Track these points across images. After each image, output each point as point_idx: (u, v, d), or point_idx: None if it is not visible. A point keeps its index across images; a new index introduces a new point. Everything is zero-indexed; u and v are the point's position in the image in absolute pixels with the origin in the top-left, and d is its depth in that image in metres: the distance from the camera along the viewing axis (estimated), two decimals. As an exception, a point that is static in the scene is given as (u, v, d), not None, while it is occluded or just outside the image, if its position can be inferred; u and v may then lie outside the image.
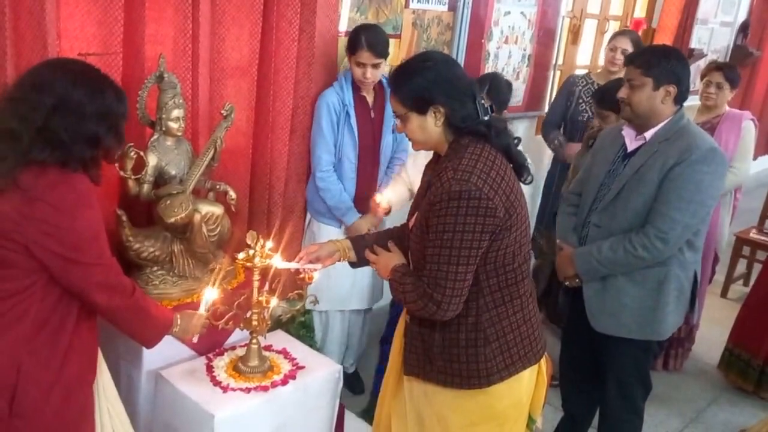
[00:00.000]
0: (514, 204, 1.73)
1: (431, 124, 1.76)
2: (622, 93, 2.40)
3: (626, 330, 2.45)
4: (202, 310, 1.99)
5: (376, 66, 2.79)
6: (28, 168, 1.56)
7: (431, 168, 1.92)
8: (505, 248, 1.75)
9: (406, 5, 3.33)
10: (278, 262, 2.05)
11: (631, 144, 2.45)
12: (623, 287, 2.43)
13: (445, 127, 1.76)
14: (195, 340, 2.03)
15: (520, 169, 1.84)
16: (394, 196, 2.86)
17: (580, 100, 3.87)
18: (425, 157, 2.54)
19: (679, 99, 2.37)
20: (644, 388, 2.62)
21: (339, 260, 2.08)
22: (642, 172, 2.35)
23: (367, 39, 2.75)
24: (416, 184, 2.58)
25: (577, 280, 2.53)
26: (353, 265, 2.14)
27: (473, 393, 1.84)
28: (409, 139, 1.85)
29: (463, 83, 1.77)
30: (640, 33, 4.57)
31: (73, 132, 1.59)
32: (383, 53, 2.79)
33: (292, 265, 2.04)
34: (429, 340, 1.85)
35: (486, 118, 1.77)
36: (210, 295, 2.01)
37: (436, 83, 1.73)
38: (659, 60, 2.34)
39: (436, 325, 1.82)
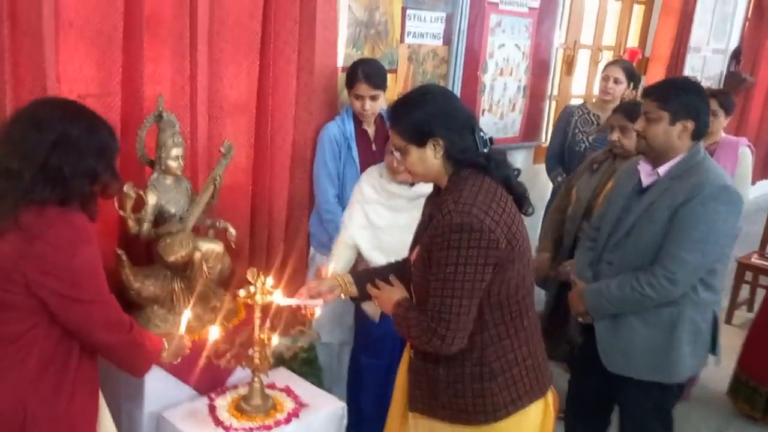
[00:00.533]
0: (516, 236, 1.72)
1: (431, 157, 1.76)
2: (638, 125, 2.35)
3: (637, 371, 2.39)
4: (182, 330, 1.98)
5: (374, 98, 2.83)
6: (28, 207, 1.57)
7: (431, 201, 1.93)
8: (508, 281, 1.74)
9: (402, 40, 3.36)
10: (279, 298, 2.03)
11: (646, 179, 2.39)
12: (635, 327, 2.38)
13: (444, 160, 1.76)
14: (177, 361, 2.02)
15: (521, 200, 1.83)
16: (340, 264, 2.67)
17: (577, 130, 3.89)
18: (360, 210, 2.58)
19: (697, 135, 2.31)
20: (665, 428, 2.52)
21: (341, 295, 2.06)
22: (652, 210, 2.30)
23: (364, 71, 2.80)
24: (357, 236, 2.60)
25: (588, 317, 2.49)
26: (355, 300, 2.12)
27: (479, 429, 1.80)
28: (410, 172, 1.86)
29: (461, 116, 1.78)
30: (634, 63, 4.63)
31: (73, 168, 1.61)
32: (380, 85, 2.83)
33: (293, 301, 2.03)
34: (434, 375, 1.83)
35: (485, 150, 1.77)
36: (187, 315, 2.00)
37: (435, 116, 1.74)
38: (677, 93, 2.28)
39: (440, 359, 1.80)
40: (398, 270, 2.05)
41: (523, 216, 1.83)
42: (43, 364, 1.64)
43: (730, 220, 2.27)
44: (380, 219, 2.59)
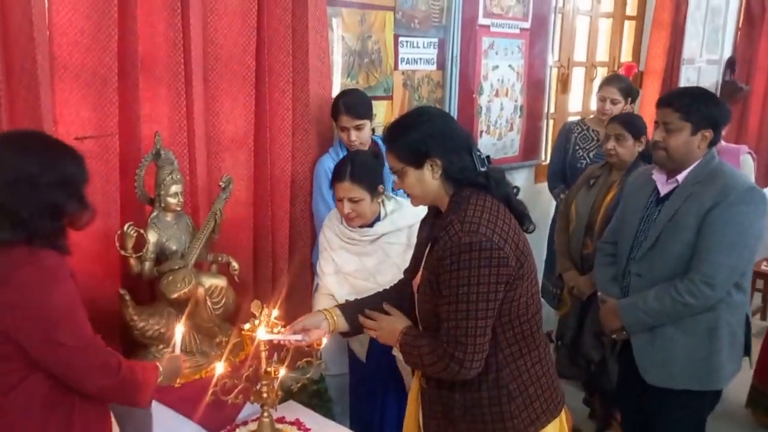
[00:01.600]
0: (523, 252, 1.71)
1: (429, 177, 1.75)
2: (658, 136, 2.35)
3: (679, 381, 2.36)
4: (177, 351, 1.94)
5: (358, 128, 2.83)
6: None
7: (427, 223, 1.91)
8: (519, 299, 1.71)
9: (396, 67, 3.39)
10: (262, 334, 1.97)
11: (663, 188, 2.40)
12: (673, 337, 2.35)
13: (443, 180, 1.76)
14: (176, 384, 1.99)
15: (522, 217, 1.82)
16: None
17: (577, 147, 3.89)
18: (328, 257, 2.52)
19: (713, 142, 2.34)
20: None
21: (329, 330, 1.98)
22: (678, 218, 2.30)
23: (345, 103, 2.81)
24: (331, 284, 2.51)
25: (624, 333, 2.46)
26: (345, 335, 2.05)
27: None
28: (408, 195, 1.84)
29: (458, 135, 1.78)
30: (631, 77, 4.64)
31: (30, 206, 1.54)
32: (363, 114, 2.84)
33: (276, 337, 1.97)
34: (449, 402, 1.79)
35: (483, 169, 1.77)
36: (180, 331, 1.96)
37: (432, 136, 1.73)
38: (699, 105, 2.30)
39: (455, 385, 1.76)
40: (388, 298, 2.00)
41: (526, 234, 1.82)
42: (49, 409, 1.61)
43: (758, 221, 2.28)
44: (347, 264, 2.52)
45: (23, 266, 1.53)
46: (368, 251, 2.48)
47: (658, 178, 2.42)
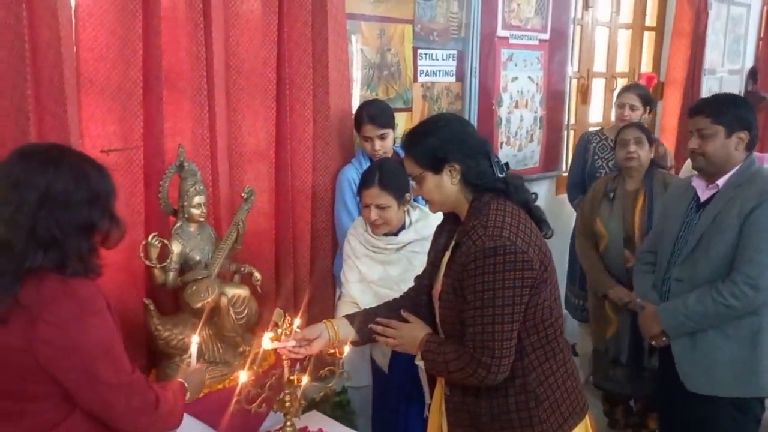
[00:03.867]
0: (546, 255, 1.71)
1: (447, 183, 1.76)
2: (693, 144, 2.36)
3: (722, 388, 2.31)
4: (194, 362, 1.93)
5: (382, 137, 2.85)
6: (25, 281, 1.42)
7: (444, 230, 1.91)
8: (543, 302, 1.71)
9: (415, 79, 3.41)
10: (266, 342, 1.96)
11: (704, 194, 2.39)
12: (715, 342, 2.31)
13: (462, 186, 1.76)
14: (200, 395, 1.97)
15: (540, 223, 1.82)
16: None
17: (596, 157, 3.88)
18: (352, 265, 2.52)
19: (751, 145, 2.34)
20: None
21: (329, 341, 1.95)
22: (719, 220, 2.29)
23: (368, 113, 2.84)
24: (355, 292, 2.48)
25: (664, 338, 2.42)
26: (355, 344, 2.02)
27: None
28: (427, 201, 1.85)
29: (476, 141, 1.79)
30: (651, 88, 4.63)
31: (63, 227, 1.44)
32: (386, 124, 2.86)
33: (276, 345, 1.95)
34: (476, 410, 1.77)
35: (502, 175, 1.77)
36: (196, 341, 1.95)
37: (450, 141, 1.74)
38: (728, 108, 2.32)
39: (481, 392, 1.75)
40: (399, 307, 2.00)
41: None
42: None
43: None
44: (372, 272, 2.52)
45: (57, 299, 1.43)
46: (393, 260, 2.49)
47: (698, 184, 2.42)
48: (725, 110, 2.30)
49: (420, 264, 2.39)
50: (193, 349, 1.95)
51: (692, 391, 2.36)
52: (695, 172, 2.49)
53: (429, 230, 2.41)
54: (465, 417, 1.80)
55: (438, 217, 2.05)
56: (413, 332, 1.86)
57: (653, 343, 2.49)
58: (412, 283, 2.26)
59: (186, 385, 1.82)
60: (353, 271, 2.55)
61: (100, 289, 1.53)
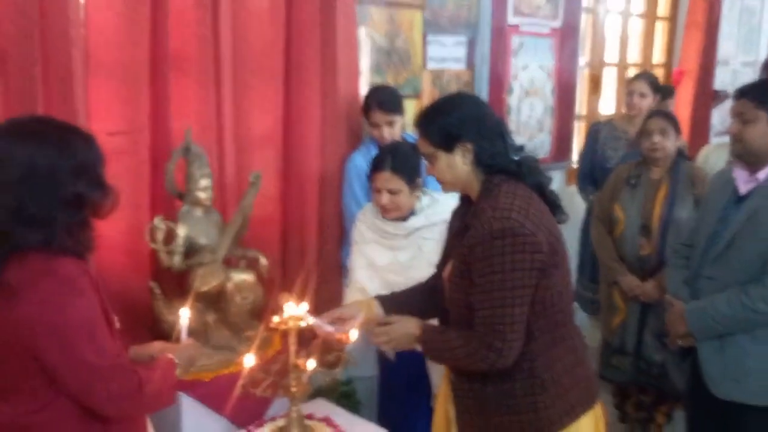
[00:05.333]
0: (558, 239, 1.68)
1: (459, 163, 1.72)
2: (733, 129, 2.24)
3: (752, 395, 2.20)
4: (184, 337, 1.87)
5: (390, 123, 2.82)
6: (9, 259, 1.40)
7: (459, 213, 1.89)
8: (552, 287, 1.68)
9: (424, 66, 3.38)
10: (311, 319, 1.94)
11: (743, 187, 2.26)
12: (745, 347, 2.20)
13: (474, 166, 1.72)
14: (192, 368, 1.95)
15: (554, 208, 1.79)
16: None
17: (606, 147, 3.84)
18: (360, 251, 2.50)
19: None
20: None
21: (364, 320, 1.92)
22: (755, 218, 2.17)
23: (377, 98, 2.81)
24: (363, 278, 2.46)
25: (689, 339, 2.32)
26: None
27: None
28: (439, 181, 1.82)
29: (491, 120, 1.75)
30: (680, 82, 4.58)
31: (51, 200, 1.41)
32: (395, 110, 2.83)
33: (317, 322, 1.93)
34: (482, 396, 1.75)
35: (516, 156, 1.74)
36: (186, 315, 1.89)
37: (463, 120, 1.71)
38: None
39: (488, 378, 1.72)
40: (421, 291, 1.98)
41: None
42: (84, 426, 1.53)
43: None
44: (380, 258, 2.49)
45: (39, 277, 1.40)
46: (402, 245, 2.46)
47: (740, 175, 2.28)
48: None
49: (429, 250, 2.37)
50: (183, 323, 1.89)
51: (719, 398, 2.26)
52: (711, 163, 2.42)
53: (439, 216, 2.39)
54: (471, 404, 1.79)
55: (448, 204, 2.02)
56: (403, 329, 1.82)
57: (680, 342, 2.37)
58: (420, 269, 2.24)
59: (176, 361, 1.77)
60: (361, 257, 2.53)
61: (87, 269, 1.50)
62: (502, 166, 1.71)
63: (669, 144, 2.96)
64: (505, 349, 1.63)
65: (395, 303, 1.96)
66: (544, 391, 1.70)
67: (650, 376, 3.07)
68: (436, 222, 2.41)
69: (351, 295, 2.47)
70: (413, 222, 2.45)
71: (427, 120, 1.76)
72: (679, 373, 2.83)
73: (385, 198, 2.38)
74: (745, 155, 2.24)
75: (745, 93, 2.25)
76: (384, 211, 2.44)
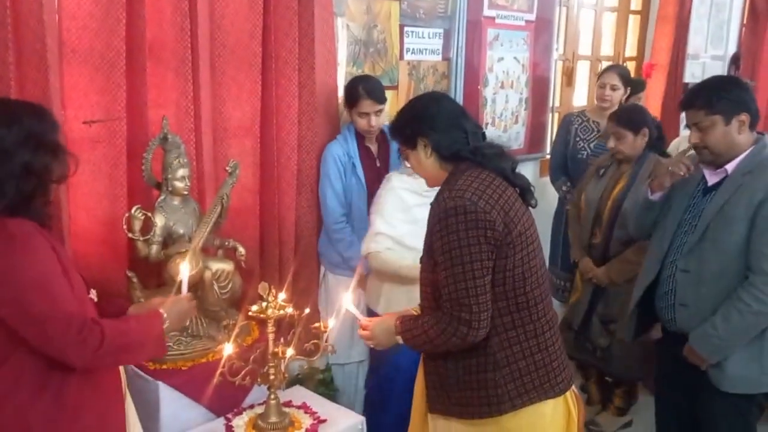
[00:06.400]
0: (513, 221, 1.73)
1: (423, 157, 1.85)
2: (694, 138, 2.25)
3: (730, 383, 2.25)
4: (185, 290, 1.90)
5: (378, 113, 2.85)
6: None
7: None
8: (512, 269, 1.73)
9: (401, 57, 3.39)
10: (347, 302, 1.98)
11: (711, 177, 2.29)
12: None
13: (437, 159, 1.83)
14: (186, 324, 2.04)
15: (524, 192, 1.85)
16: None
17: (578, 138, 3.89)
18: (397, 203, 2.58)
19: (753, 124, 2.24)
20: None
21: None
22: (727, 210, 2.19)
23: (365, 88, 2.81)
24: (395, 222, 2.54)
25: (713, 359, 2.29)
26: None
27: (487, 423, 1.79)
28: (422, 177, 1.94)
29: (445, 114, 1.84)
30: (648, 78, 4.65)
31: (0, 170, 1.51)
32: (382, 99, 2.85)
33: (354, 311, 1.99)
34: (443, 372, 1.83)
35: (475, 144, 1.81)
36: (186, 269, 1.91)
37: (417, 118, 1.85)
38: (719, 93, 2.21)
39: (448, 355, 1.79)
40: None
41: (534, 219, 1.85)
42: (38, 389, 1.55)
43: None
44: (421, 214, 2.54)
45: None
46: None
47: (707, 166, 2.32)
48: (717, 97, 2.20)
49: None
50: (183, 276, 1.91)
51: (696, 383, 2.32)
52: (682, 151, 2.47)
53: None
54: (436, 379, 1.86)
55: None
56: (384, 323, 1.91)
57: (702, 368, 2.29)
58: None
59: (164, 314, 1.78)
60: (395, 206, 2.61)
61: (42, 231, 1.57)
62: (462, 154, 1.80)
63: (624, 147, 3.04)
64: (474, 321, 1.69)
65: None
66: (497, 369, 1.76)
67: (594, 357, 3.20)
68: None
69: (391, 255, 2.58)
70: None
71: (393, 124, 1.95)
72: (622, 359, 3.05)
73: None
74: (714, 159, 2.27)
75: (691, 102, 2.26)
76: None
